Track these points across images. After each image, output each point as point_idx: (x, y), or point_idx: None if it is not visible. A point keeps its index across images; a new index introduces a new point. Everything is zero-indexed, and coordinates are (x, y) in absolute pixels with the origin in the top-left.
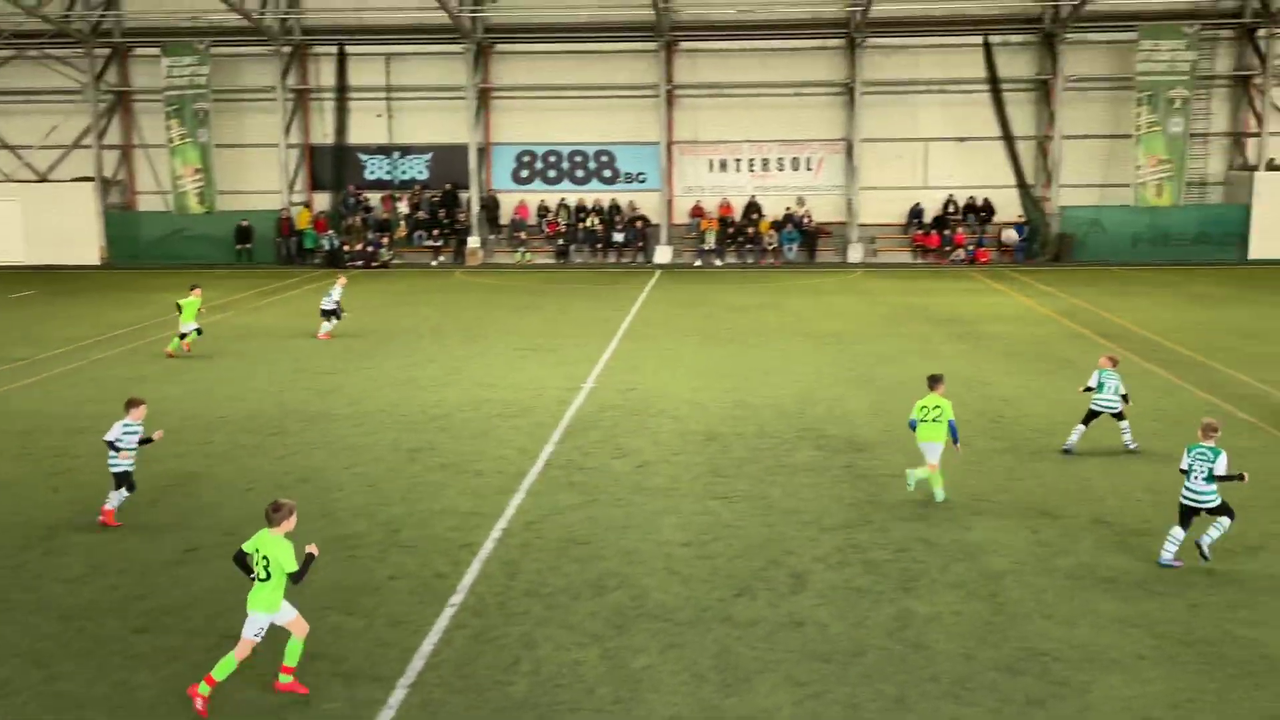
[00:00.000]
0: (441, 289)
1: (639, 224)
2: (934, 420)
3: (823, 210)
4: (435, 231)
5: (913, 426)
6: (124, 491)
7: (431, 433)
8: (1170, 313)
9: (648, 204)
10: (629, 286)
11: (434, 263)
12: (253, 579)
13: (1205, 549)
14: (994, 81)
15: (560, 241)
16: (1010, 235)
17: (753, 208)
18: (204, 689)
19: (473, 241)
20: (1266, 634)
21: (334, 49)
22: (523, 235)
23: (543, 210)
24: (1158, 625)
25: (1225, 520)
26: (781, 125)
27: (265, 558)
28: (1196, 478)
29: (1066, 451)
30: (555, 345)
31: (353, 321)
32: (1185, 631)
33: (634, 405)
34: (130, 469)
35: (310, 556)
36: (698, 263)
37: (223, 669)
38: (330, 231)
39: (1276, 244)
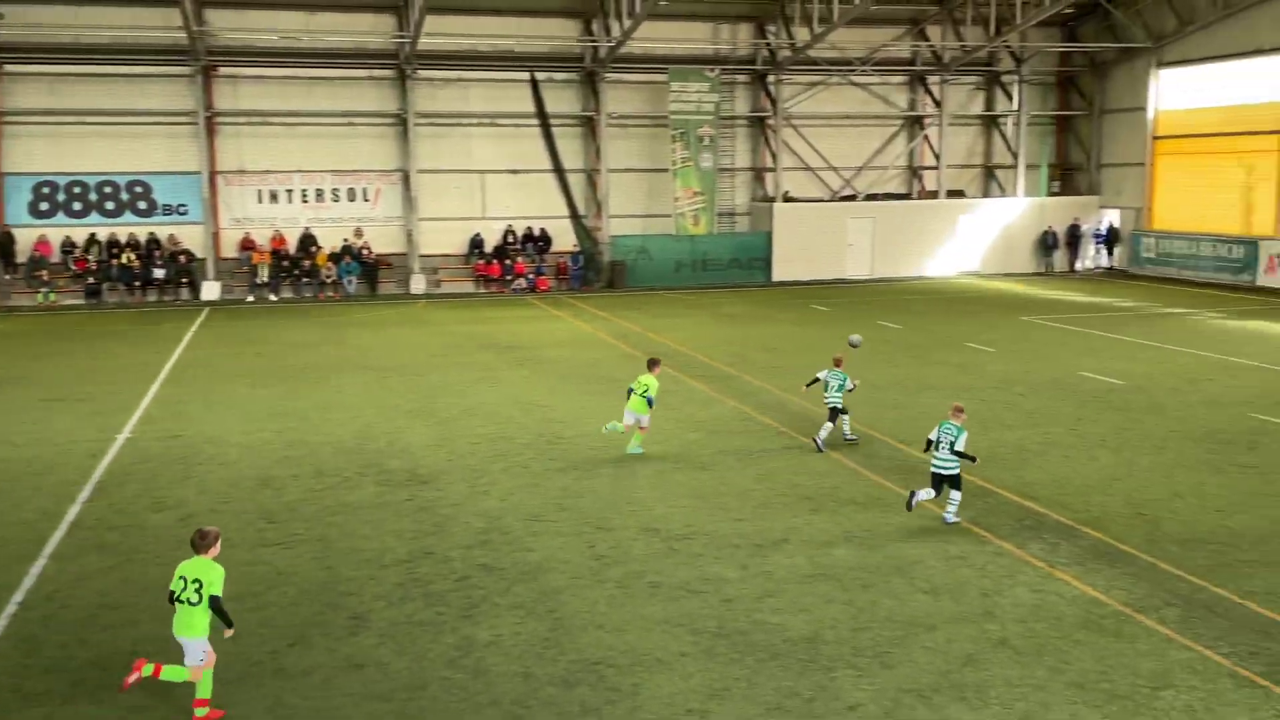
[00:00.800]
0: None
1: (182, 259)
2: (640, 395)
3: (382, 241)
4: None
5: (629, 394)
6: None
7: None
8: (707, 331)
9: (191, 237)
10: (173, 326)
11: None
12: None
13: (951, 519)
14: (543, 116)
15: (90, 280)
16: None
17: (308, 240)
18: (201, 711)
19: None
20: (789, 619)
21: None
22: (45, 274)
23: (68, 246)
24: (697, 622)
25: (957, 494)
26: (334, 155)
27: (197, 580)
28: (943, 449)
29: (820, 450)
30: (86, 394)
31: None
32: (720, 625)
33: (177, 454)
34: None
35: (229, 620)
36: (250, 298)
37: (203, 688)
38: None
39: (793, 268)
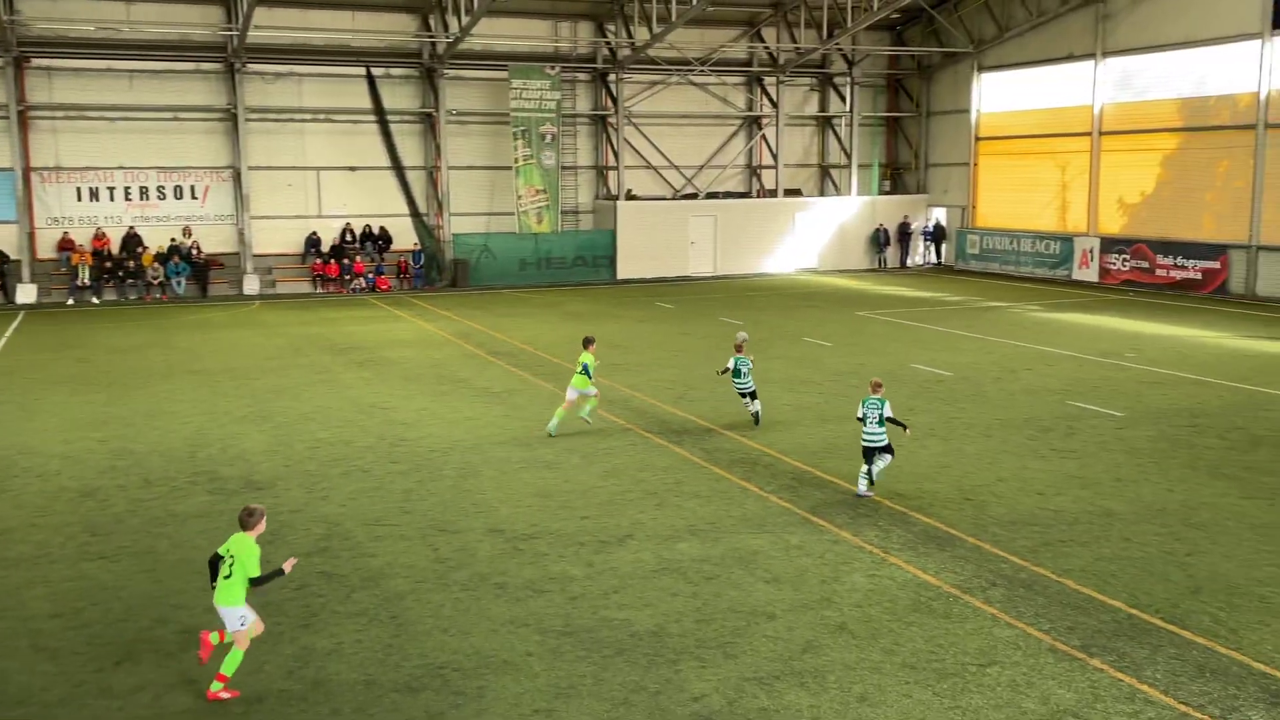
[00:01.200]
0: None
1: None
2: (580, 372)
3: (213, 241)
4: None
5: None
6: None
7: None
8: (552, 330)
9: (4, 238)
10: None
11: None
12: (213, 586)
13: (875, 475)
14: (380, 112)
15: None
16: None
17: (133, 239)
18: (216, 686)
19: None
20: (635, 614)
21: None
22: None
23: None
24: (543, 621)
25: (888, 456)
26: (160, 151)
27: (234, 557)
28: (871, 423)
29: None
30: None
31: None
32: (566, 624)
33: None
34: None
35: (280, 571)
36: (70, 301)
37: (230, 664)
38: None
39: (637, 265)
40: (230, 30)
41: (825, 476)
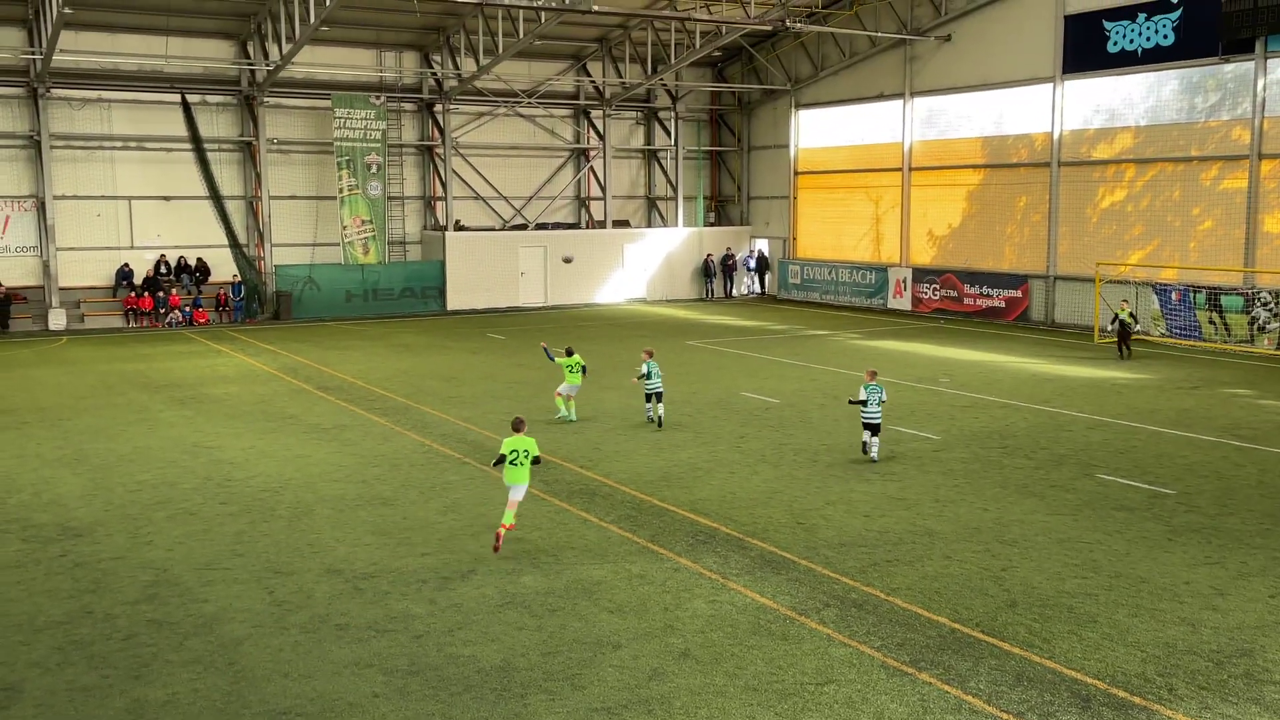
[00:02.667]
0: None
1: None
2: (569, 370)
3: (15, 274)
4: None
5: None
6: None
7: None
8: (382, 363)
9: None
10: None
11: None
12: (498, 468)
13: (874, 456)
14: (196, 140)
15: None
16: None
17: None
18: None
19: None
20: (480, 650)
21: None
22: None
23: None
24: (387, 661)
25: (878, 438)
26: None
27: (526, 451)
28: (872, 404)
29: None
30: None
31: None
32: (411, 662)
33: None
34: None
35: (537, 459)
36: None
37: (509, 517)
38: None
39: (466, 296)
40: (33, 54)
41: (663, 505)
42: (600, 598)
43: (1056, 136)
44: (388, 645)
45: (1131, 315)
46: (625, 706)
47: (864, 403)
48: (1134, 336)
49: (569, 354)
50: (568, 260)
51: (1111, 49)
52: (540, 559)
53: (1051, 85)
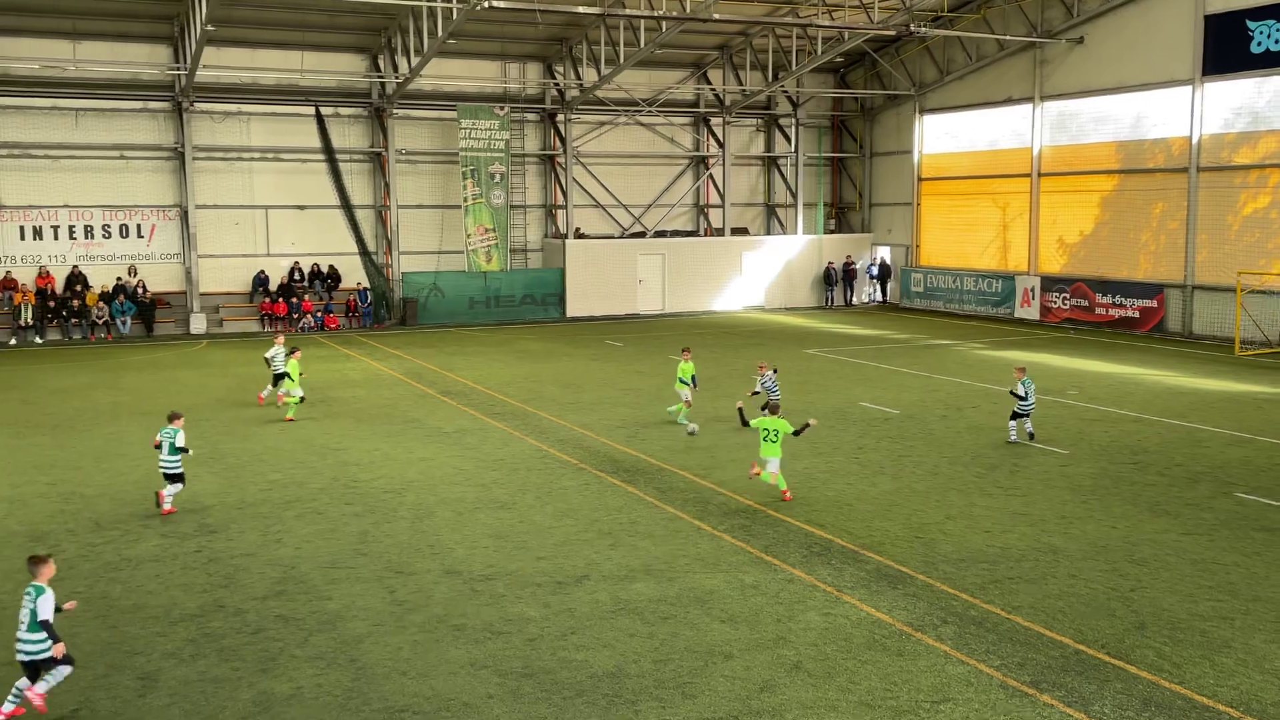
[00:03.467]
0: None
1: None
2: (682, 379)
3: (159, 279)
4: None
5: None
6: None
7: None
8: (503, 369)
9: None
10: None
11: None
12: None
13: (1030, 435)
14: (329, 151)
15: None
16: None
17: (78, 278)
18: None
19: None
20: (593, 655)
21: None
22: None
23: None
24: (502, 663)
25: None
26: (106, 189)
27: (775, 431)
28: (1029, 396)
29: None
30: None
31: None
32: (525, 665)
33: None
34: None
35: (808, 423)
36: (12, 341)
37: (781, 481)
38: None
39: (586, 303)
40: (178, 69)
41: (778, 515)
42: (713, 607)
43: (1195, 141)
44: (502, 647)
45: None
46: (736, 717)
47: (1024, 397)
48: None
49: (684, 354)
50: (692, 434)
51: (1255, 49)
52: (654, 567)
53: (1190, 87)
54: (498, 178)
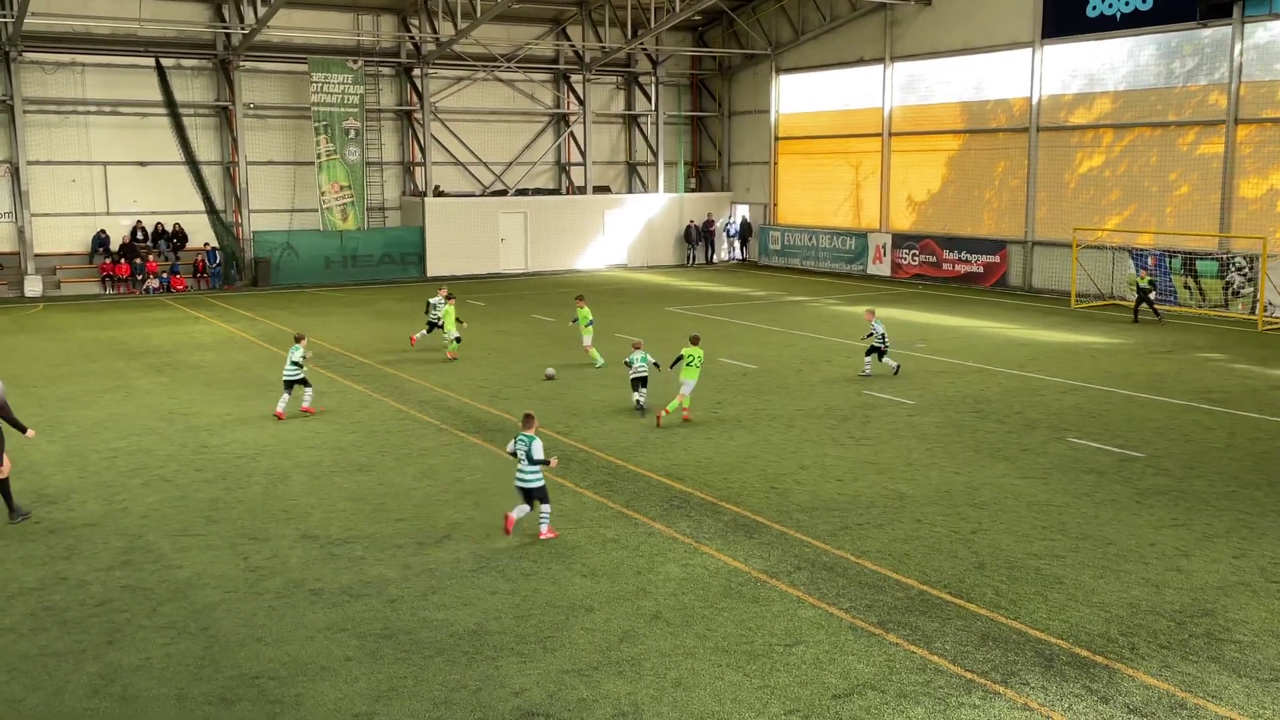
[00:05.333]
0: None
1: None
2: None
3: None
4: None
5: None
6: None
7: None
8: (362, 329)
9: None
10: None
11: None
12: (674, 369)
13: (895, 369)
14: (172, 105)
15: None
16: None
17: None
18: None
19: None
20: (454, 614)
21: None
22: None
23: None
24: (361, 625)
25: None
26: None
27: (696, 356)
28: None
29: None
30: None
31: None
32: (384, 626)
33: None
34: None
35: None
36: None
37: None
38: None
39: (447, 262)
40: (4, 17)
41: (638, 470)
42: (574, 562)
43: (1035, 102)
44: (361, 610)
45: (1151, 282)
46: (596, 668)
47: (876, 335)
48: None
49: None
50: (550, 377)
51: (1090, 13)
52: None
53: (1031, 50)
54: (352, 133)
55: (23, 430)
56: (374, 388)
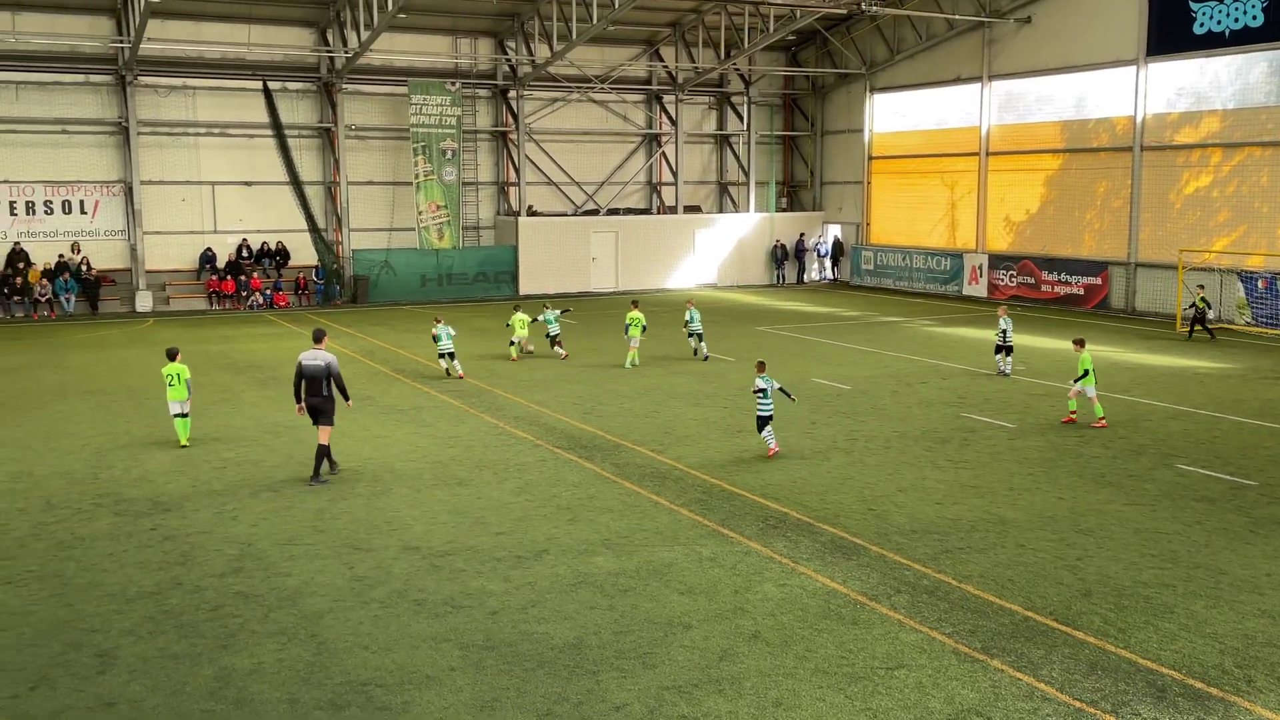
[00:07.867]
0: None
1: None
2: (637, 327)
3: (104, 257)
4: None
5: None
6: None
7: None
8: (457, 346)
9: None
10: None
11: None
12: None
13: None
14: (277, 126)
15: None
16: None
17: (18, 255)
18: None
19: None
20: (553, 627)
21: None
22: None
23: None
24: (464, 636)
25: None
26: (47, 164)
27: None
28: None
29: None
30: None
31: None
32: (487, 638)
33: None
34: None
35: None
36: None
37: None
38: None
39: (539, 280)
40: (121, 42)
41: (733, 489)
42: (671, 579)
43: (1139, 120)
44: (464, 621)
45: (1204, 300)
46: (696, 685)
47: (1004, 332)
48: (1216, 325)
49: (634, 305)
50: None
51: (1198, 30)
52: (612, 540)
53: (1135, 68)
54: (449, 154)
55: (345, 399)
56: (469, 403)
